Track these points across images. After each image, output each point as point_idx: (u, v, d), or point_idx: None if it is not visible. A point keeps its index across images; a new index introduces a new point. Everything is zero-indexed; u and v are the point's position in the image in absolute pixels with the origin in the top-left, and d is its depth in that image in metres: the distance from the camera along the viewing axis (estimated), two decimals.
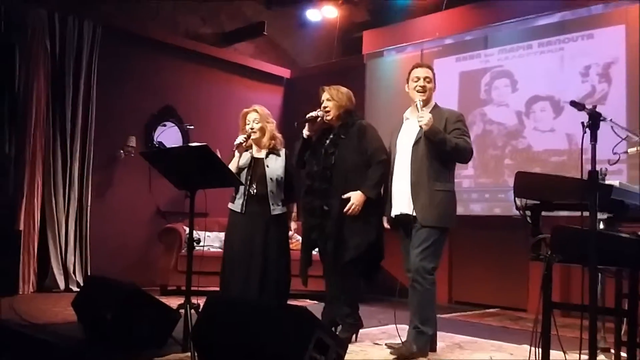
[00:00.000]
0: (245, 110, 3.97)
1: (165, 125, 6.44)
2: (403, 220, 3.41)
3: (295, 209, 4.09)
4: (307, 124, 3.66)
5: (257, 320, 2.57)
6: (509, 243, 5.35)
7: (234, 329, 2.59)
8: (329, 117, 3.66)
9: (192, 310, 3.14)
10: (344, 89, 3.76)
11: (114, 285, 3.41)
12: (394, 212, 3.44)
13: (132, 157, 6.02)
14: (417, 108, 3.34)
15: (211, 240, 5.82)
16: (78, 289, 5.28)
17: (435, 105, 3.49)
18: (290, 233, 4.05)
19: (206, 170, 3.24)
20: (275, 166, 3.87)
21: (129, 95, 6.17)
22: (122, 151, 6.06)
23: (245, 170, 3.82)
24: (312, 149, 3.71)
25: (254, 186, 3.79)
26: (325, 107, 3.67)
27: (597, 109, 2.28)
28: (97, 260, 5.75)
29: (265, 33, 6.82)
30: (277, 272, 3.78)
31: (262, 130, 3.89)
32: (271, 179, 3.82)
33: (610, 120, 2.34)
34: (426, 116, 3.27)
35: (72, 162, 5.68)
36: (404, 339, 3.40)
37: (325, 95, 3.70)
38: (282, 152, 3.95)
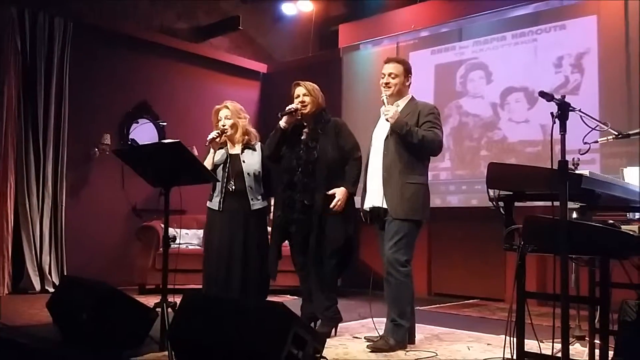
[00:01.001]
0: (217, 106, 3.94)
1: (138, 123, 6.36)
2: (377, 214, 3.42)
3: (273, 203, 4.07)
4: (285, 117, 3.66)
5: (234, 317, 2.56)
6: (487, 234, 5.38)
7: (210, 327, 2.58)
8: (305, 111, 3.68)
9: (169, 309, 3.11)
10: (316, 86, 3.79)
11: (88, 286, 3.36)
12: (367, 205, 3.46)
13: (107, 155, 5.95)
14: (384, 103, 3.41)
15: (189, 238, 5.78)
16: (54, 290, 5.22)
17: (412, 99, 3.50)
18: (269, 228, 4.02)
19: (180, 167, 3.20)
20: (251, 161, 3.85)
21: (102, 92, 6.08)
22: (96, 149, 5.98)
23: (222, 167, 3.79)
24: (287, 142, 3.72)
25: (232, 182, 3.77)
26: (303, 102, 3.68)
27: (568, 99, 2.30)
28: (74, 260, 5.67)
29: (240, 27, 6.77)
30: (259, 268, 3.77)
31: (234, 126, 3.86)
32: (248, 174, 3.80)
33: (580, 110, 2.36)
34: (391, 110, 3.32)
35: (46, 161, 5.59)
36: (382, 332, 3.43)
37: (301, 90, 3.72)
38: (258, 146, 3.93)
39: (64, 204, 5.69)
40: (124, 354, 2.98)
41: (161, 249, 5.28)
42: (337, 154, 3.62)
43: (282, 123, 3.67)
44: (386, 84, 3.45)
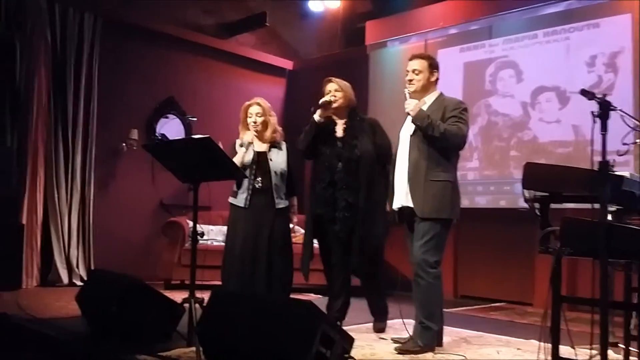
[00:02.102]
0: (247, 103, 3.92)
1: (167, 118, 6.42)
2: (405, 214, 3.38)
3: (295, 202, 4.05)
4: (319, 109, 3.67)
5: (263, 314, 2.54)
6: (515, 236, 5.31)
7: (239, 323, 2.57)
8: (336, 105, 3.71)
9: (197, 305, 3.11)
10: (348, 83, 3.83)
11: (118, 279, 3.38)
12: (395, 204, 3.41)
13: (135, 150, 6.00)
14: (405, 97, 3.36)
15: (214, 234, 5.80)
16: (81, 283, 5.28)
17: (440, 95, 3.43)
18: (292, 226, 4.01)
19: (209, 163, 3.21)
20: (278, 160, 3.84)
21: (130, 88, 6.13)
22: (124, 144, 6.03)
23: (249, 164, 3.78)
24: (320, 139, 3.73)
25: (259, 180, 3.76)
26: (334, 96, 3.73)
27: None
28: (100, 254, 5.73)
29: (267, 24, 6.77)
30: (283, 266, 3.76)
31: (265, 124, 3.86)
32: (275, 172, 3.79)
33: (621, 110, 2.29)
34: (411, 103, 3.29)
35: (74, 155, 5.66)
36: (411, 333, 3.39)
37: (333, 86, 3.76)
38: (284, 145, 3.93)
39: (91, 198, 5.75)
40: (151, 348, 2.98)
41: (187, 245, 5.37)
42: (375, 152, 3.65)
43: (317, 117, 3.68)
44: (409, 80, 3.41)
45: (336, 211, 3.62)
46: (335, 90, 3.73)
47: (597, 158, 2.25)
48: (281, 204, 3.80)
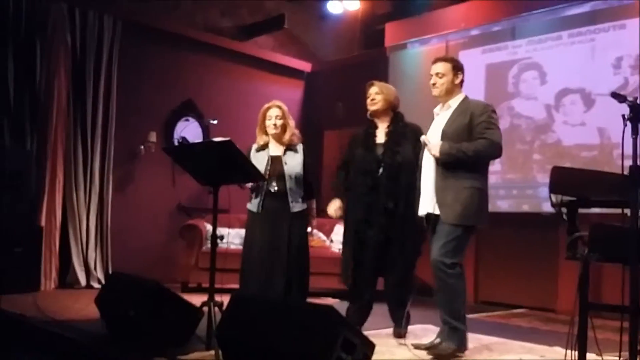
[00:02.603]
0: (267, 105, 3.90)
1: (188, 120, 6.42)
2: (430, 220, 3.33)
3: (314, 205, 4.02)
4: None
5: (283, 319, 2.52)
6: (537, 241, 5.22)
7: (259, 328, 2.55)
8: (374, 108, 3.74)
9: (216, 308, 3.09)
10: (391, 87, 3.87)
11: (137, 282, 3.37)
12: (421, 211, 3.37)
13: (153, 153, 6.01)
14: (425, 144, 3.32)
15: (232, 237, 5.78)
16: (99, 286, 5.29)
17: (465, 98, 3.38)
18: (309, 230, 3.98)
19: (229, 166, 3.19)
20: (293, 163, 3.81)
21: (149, 90, 6.15)
22: (142, 147, 6.05)
23: (263, 168, 3.75)
24: (361, 143, 3.76)
25: (274, 184, 3.75)
26: (373, 99, 3.75)
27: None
28: (118, 257, 5.74)
29: (285, 26, 6.74)
30: (300, 270, 3.75)
31: (284, 127, 3.84)
32: (290, 176, 3.77)
33: None
34: (433, 147, 3.23)
35: (93, 157, 5.68)
36: (431, 339, 3.35)
37: (374, 89, 3.78)
38: (300, 147, 3.90)
39: (110, 200, 5.77)
40: (170, 351, 2.96)
41: (204, 248, 5.36)
42: (414, 159, 3.55)
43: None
44: (433, 84, 3.39)
45: (374, 216, 3.61)
46: (375, 94, 3.74)
47: (627, 162, 2.19)
48: (297, 207, 3.77)
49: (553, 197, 2.48)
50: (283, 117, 3.83)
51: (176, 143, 5.95)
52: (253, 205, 3.79)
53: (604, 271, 4.59)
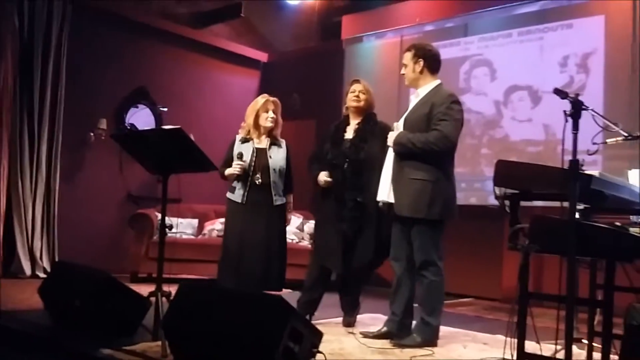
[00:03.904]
0: (265, 98, 3.92)
1: (137, 107, 6.29)
2: (386, 207, 3.39)
3: (291, 200, 4.05)
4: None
5: (231, 308, 2.51)
6: (484, 232, 5.37)
7: (206, 318, 2.53)
8: (357, 105, 3.76)
9: (164, 298, 3.06)
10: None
11: (83, 272, 3.30)
12: (378, 197, 3.42)
13: (103, 140, 5.87)
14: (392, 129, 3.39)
15: (184, 227, 5.72)
16: (45, 275, 5.14)
17: (437, 86, 3.36)
18: (287, 223, 4.01)
19: (180, 155, 3.14)
20: (277, 157, 3.87)
21: (99, 76, 5.99)
22: (92, 134, 5.90)
23: (248, 160, 3.80)
24: (331, 139, 3.79)
25: (258, 176, 3.78)
26: (358, 97, 3.76)
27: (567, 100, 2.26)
28: (65, 246, 5.59)
29: (242, 15, 6.67)
30: (278, 262, 3.81)
31: (277, 122, 3.92)
32: (274, 169, 3.83)
33: (592, 109, 2.31)
34: (390, 136, 3.31)
35: (40, 144, 5.50)
36: (378, 328, 3.44)
37: (359, 87, 3.80)
38: (283, 143, 3.97)
39: (57, 188, 5.61)
40: (115, 342, 2.92)
41: (155, 237, 5.28)
42: (381, 156, 3.54)
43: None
44: (402, 74, 3.44)
45: (344, 210, 3.64)
46: (360, 92, 3.78)
47: (568, 157, 2.27)
48: (279, 200, 3.84)
49: (497, 189, 2.55)
50: (277, 113, 3.92)
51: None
52: (236, 195, 3.82)
53: (545, 262, 4.77)
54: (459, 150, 5.55)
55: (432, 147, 3.18)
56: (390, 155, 3.37)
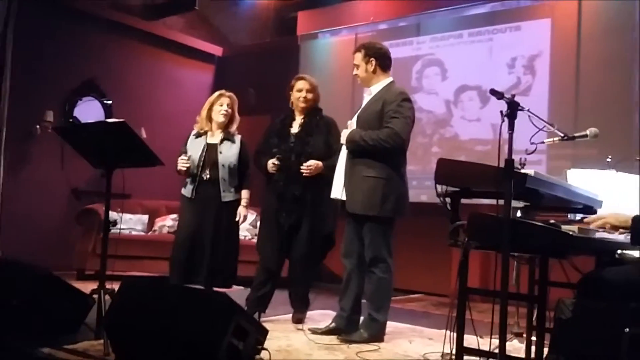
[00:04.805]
0: (218, 93, 3.92)
1: (84, 100, 6.13)
2: (340, 204, 3.41)
3: (248, 196, 4.01)
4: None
5: (175, 305, 2.49)
6: (434, 230, 5.39)
7: (149, 315, 2.51)
8: (304, 105, 3.78)
9: (107, 296, 3.01)
10: (316, 82, 3.91)
11: (20, 269, 3.20)
12: (332, 194, 3.44)
13: (50, 133, 5.70)
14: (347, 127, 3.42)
15: (133, 223, 5.61)
16: None
17: (388, 84, 3.41)
18: (239, 219, 3.95)
19: (124, 149, 3.09)
20: (228, 153, 3.83)
21: (47, 67, 5.82)
22: (38, 126, 5.73)
23: (198, 155, 3.77)
24: (277, 133, 3.80)
25: (207, 172, 3.76)
26: (306, 97, 3.77)
27: (518, 99, 2.32)
28: (9, 242, 5.37)
29: (196, 8, 6.57)
30: (226, 258, 3.78)
31: (232, 117, 3.88)
32: (223, 165, 3.79)
33: (528, 110, 2.38)
34: (344, 134, 3.34)
35: None
36: (327, 324, 3.46)
37: (306, 86, 3.80)
38: (238, 139, 3.92)
39: (1, 182, 5.40)
40: (56, 341, 2.85)
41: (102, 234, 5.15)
42: (326, 151, 3.67)
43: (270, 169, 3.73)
44: (354, 75, 3.47)
45: (286, 203, 3.67)
46: (307, 91, 3.79)
47: (513, 156, 2.33)
48: (228, 197, 3.80)
49: (439, 187, 2.60)
50: (232, 107, 3.87)
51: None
52: (187, 191, 3.81)
53: (493, 258, 4.89)
54: (411, 148, 5.64)
55: (384, 144, 3.23)
56: (343, 153, 3.39)
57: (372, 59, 3.38)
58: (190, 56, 7.06)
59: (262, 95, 6.71)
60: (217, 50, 7.33)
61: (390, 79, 3.43)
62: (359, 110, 3.43)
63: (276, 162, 3.70)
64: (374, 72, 3.40)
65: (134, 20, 6.52)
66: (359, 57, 3.42)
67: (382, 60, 3.40)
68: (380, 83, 3.40)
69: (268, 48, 6.99)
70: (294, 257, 3.75)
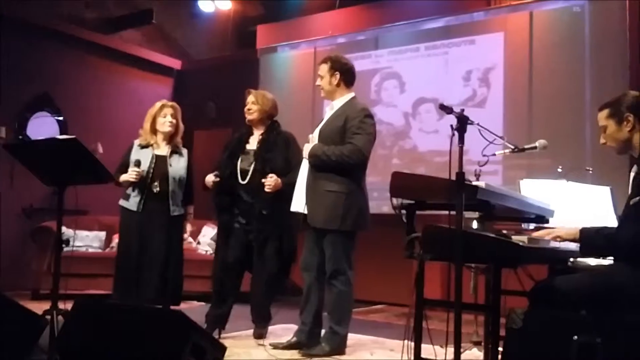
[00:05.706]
0: (161, 103, 3.85)
1: (38, 116, 5.97)
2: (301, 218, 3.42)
3: (192, 211, 3.96)
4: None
5: (130, 325, 2.44)
6: (396, 240, 5.43)
7: (103, 335, 2.45)
8: (250, 118, 3.76)
9: (60, 316, 2.92)
10: (270, 95, 3.88)
11: None
12: (292, 208, 3.44)
13: (2, 150, 5.53)
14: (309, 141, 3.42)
15: (90, 240, 5.48)
16: None
17: (351, 99, 3.43)
18: (185, 235, 3.91)
19: (76, 165, 3.02)
20: (177, 166, 3.77)
21: (0, 81, 5.66)
22: None
23: (147, 167, 3.67)
24: (230, 149, 3.78)
25: (156, 184, 3.67)
26: (249, 109, 3.76)
27: (474, 112, 2.39)
28: None
29: (154, 21, 6.53)
30: (175, 274, 3.71)
31: (177, 128, 3.82)
32: (174, 178, 3.73)
33: (478, 124, 2.44)
34: (306, 148, 3.35)
35: None
36: (288, 338, 3.44)
37: (250, 98, 3.79)
38: (185, 152, 3.88)
39: None
40: None
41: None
42: (284, 166, 3.64)
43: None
44: (318, 85, 3.47)
45: (249, 220, 3.65)
46: (252, 103, 3.77)
47: (470, 167, 2.39)
48: (177, 211, 3.73)
49: (394, 200, 2.63)
50: (176, 117, 3.80)
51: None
52: (131, 203, 3.67)
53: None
54: (371, 160, 5.69)
55: (347, 160, 3.26)
56: (304, 166, 3.40)
57: (337, 72, 3.41)
58: (148, 70, 6.98)
59: (222, 108, 6.69)
60: (175, 63, 7.27)
61: (352, 94, 3.46)
62: (321, 125, 3.44)
63: (215, 179, 3.68)
64: (338, 85, 3.43)
65: (90, 34, 6.42)
66: (324, 68, 3.43)
67: (346, 76, 3.44)
68: (343, 98, 3.43)
69: (227, 61, 6.98)
70: (259, 274, 3.71)
